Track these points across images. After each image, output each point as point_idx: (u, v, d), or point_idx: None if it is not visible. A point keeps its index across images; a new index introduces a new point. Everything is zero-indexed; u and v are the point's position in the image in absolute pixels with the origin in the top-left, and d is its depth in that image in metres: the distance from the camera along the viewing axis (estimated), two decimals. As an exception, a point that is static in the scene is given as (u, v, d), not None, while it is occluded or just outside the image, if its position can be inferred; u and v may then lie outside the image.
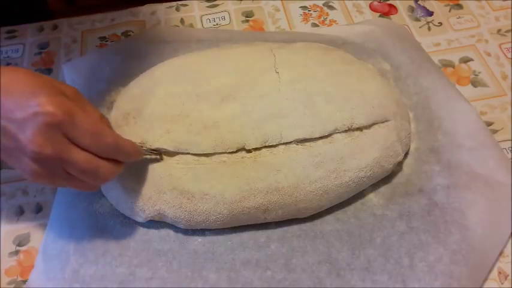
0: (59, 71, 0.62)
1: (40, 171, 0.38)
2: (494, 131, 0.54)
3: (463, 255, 0.44)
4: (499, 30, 0.64)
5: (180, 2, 0.69)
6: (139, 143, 0.47)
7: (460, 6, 0.67)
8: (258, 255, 0.46)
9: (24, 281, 0.46)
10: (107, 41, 0.65)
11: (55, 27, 0.67)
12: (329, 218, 0.48)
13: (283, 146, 0.47)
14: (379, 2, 0.69)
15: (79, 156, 0.38)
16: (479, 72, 0.60)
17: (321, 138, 0.47)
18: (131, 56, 0.60)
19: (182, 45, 0.55)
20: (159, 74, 0.53)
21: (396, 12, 0.67)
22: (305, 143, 0.47)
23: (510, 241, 0.47)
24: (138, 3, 0.69)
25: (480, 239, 0.45)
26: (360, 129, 0.48)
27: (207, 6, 0.69)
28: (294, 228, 0.47)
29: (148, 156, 0.46)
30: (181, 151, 0.47)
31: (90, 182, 0.40)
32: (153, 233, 0.48)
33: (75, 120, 0.37)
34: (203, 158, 0.46)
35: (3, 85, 0.37)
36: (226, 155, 0.46)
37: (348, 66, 0.53)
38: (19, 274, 0.47)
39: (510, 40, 0.63)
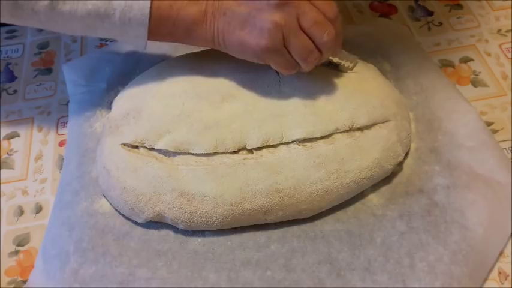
0: (59, 71, 0.62)
1: (279, 21, 0.42)
2: (494, 131, 0.54)
3: (463, 255, 0.44)
4: (499, 30, 0.64)
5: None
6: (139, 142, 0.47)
7: (460, 6, 0.67)
8: (258, 255, 0.46)
9: (24, 281, 0.46)
10: (106, 41, 0.65)
11: (55, 27, 0.67)
12: (329, 218, 0.48)
13: (284, 147, 0.47)
14: (379, 2, 0.69)
15: (311, 9, 0.43)
16: (479, 72, 0.60)
17: (321, 138, 0.47)
18: (131, 56, 0.60)
19: (182, 45, 0.55)
20: (158, 73, 0.53)
21: (396, 12, 0.67)
22: (306, 144, 0.47)
23: (510, 241, 0.46)
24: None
25: (480, 239, 0.45)
26: (360, 129, 0.48)
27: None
28: (294, 228, 0.47)
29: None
30: (183, 151, 0.47)
31: (317, 38, 0.44)
32: (153, 233, 0.47)
33: None
34: (204, 159, 0.46)
35: None
36: (227, 155, 0.46)
37: (348, 66, 0.53)
38: (19, 274, 0.47)
39: (510, 40, 0.63)
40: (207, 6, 0.45)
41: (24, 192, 0.52)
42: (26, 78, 0.62)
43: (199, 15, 0.45)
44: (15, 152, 0.55)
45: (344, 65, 0.51)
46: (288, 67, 0.46)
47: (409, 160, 0.51)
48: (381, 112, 0.49)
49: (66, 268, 0.45)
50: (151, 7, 0.45)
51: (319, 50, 0.45)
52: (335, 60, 0.51)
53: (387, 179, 0.50)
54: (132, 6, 0.44)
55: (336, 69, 0.52)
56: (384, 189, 0.50)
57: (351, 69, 0.52)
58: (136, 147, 0.48)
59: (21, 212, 0.51)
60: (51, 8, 0.44)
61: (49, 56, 0.64)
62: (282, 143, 0.47)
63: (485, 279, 0.44)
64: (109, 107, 0.54)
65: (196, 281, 0.44)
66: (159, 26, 0.46)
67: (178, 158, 0.47)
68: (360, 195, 0.49)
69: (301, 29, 0.43)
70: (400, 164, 0.50)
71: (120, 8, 0.44)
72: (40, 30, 0.67)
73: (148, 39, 0.47)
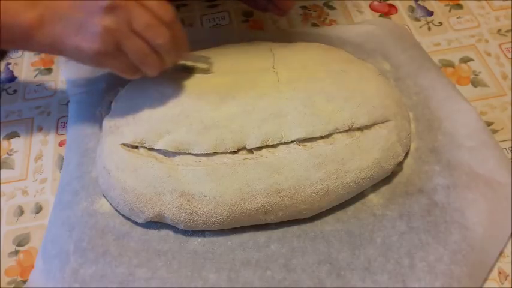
0: (59, 71, 0.62)
1: (109, 24, 0.41)
2: (494, 131, 0.54)
3: (463, 255, 0.44)
4: (499, 30, 0.64)
5: (180, 2, 0.69)
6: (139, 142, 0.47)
7: (460, 6, 0.67)
8: (258, 255, 0.46)
9: (24, 281, 0.46)
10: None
11: (55, 27, 0.67)
12: (329, 218, 0.48)
13: (284, 147, 0.47)
14: (379, 2, 0.69)
15: (144, 12, 0.42)
16: (479, 72, 0.60)
17: (321, 138, 0.47)
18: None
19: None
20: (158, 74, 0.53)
21: (396, 12, 0.67)
22: (306, 144, 0.47)
23: (510, 241, 0.47)
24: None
25: (480, 239, 0.45)
26: (360, 129, 0.48)
27: (207, 6, 0.68)
28: (294, 228, 0.47)
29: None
30: (182, 151, 0.46)
31: (151, 41, 0.43)
32: (153, 233, 0.48)
33: None
34: (203, 159, 0.46)
35: None
36: (227, 156, 0.46)
37: (348, 65, 0.53)
38: (19, 274, 0.47)
39: (510, 40, 0.63)
40: (44, 11, 0.43)
41: (24, 192, 0.52)
42: (26, 78, 0.62)
43: (35, 21, 0.43)
44: (15, 152, 0.55)
45: (199, 67, 0.51)
46: (128, 71, 0.45)
47: (409, 160, 0.51)
48: (380, 112, 0.49)
49: (66, 268, 0.45)
50: None
51: (159, 54, 0.44)
52: (188, 63, 0.51)
53: (387, 179, 0.50)
54: None
55: (192, 72, 0.51)
56: (384, 189, 0.50)
57: (208, 70, 0.51)
58: (136, 147, 0.48)
59: (21, 212, 0.51)
60: None
61: (49, 56, 0.64)
62: (281, 143, 0.47)
63: (485, 279, 0.45)
64: (109, 107, 0.54)
65: (196, 281, 0.44)
66: None
67: (178, 158, 0.47)
68: (360, 195, 0.49)
69: (135, 32, 0.43)
70: (400, 164, 0.51)
71: None
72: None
73: None
